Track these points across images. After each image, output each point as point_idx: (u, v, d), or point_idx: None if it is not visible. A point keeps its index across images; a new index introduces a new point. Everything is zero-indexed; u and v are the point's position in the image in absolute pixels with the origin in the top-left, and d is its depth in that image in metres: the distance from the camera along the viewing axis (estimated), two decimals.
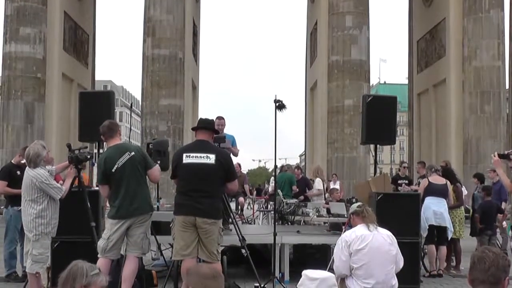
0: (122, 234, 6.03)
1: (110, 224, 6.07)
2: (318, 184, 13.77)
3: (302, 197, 13.14)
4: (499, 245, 10.93)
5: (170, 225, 6.15)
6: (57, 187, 6.30)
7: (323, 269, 7.11)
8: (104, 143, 6.95)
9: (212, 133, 6.24)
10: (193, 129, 6.42)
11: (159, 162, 7.96)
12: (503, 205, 10.99)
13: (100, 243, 6.03)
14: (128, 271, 6.00)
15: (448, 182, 9.40)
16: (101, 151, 7.82)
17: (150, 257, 9.52)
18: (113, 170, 5.99)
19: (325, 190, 13.82)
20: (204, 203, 5.78)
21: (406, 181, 12.60)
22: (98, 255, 5.97)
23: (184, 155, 5.96)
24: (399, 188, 11.61)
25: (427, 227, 8.98)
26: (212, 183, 5.87)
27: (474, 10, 20.13)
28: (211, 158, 5.86)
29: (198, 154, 5.90)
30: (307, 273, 4.75)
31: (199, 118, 6.38)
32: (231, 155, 8.49)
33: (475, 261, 2.69)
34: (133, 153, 6.07)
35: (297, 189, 13.42)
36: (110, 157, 6.10)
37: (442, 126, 22.56)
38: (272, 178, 12.79)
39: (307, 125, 27.47)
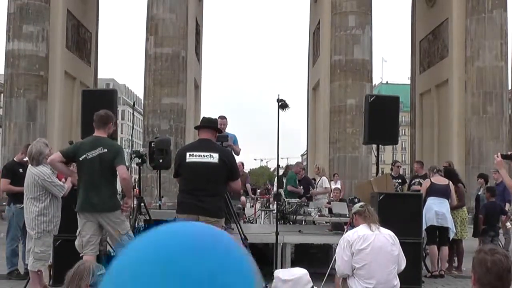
0: (94, 231, 5.97)
1: (78, 219, 6.04)
2: (325, 182, 13.70)
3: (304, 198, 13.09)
4: (502, 246, 10.91)
5: None
6: (59, 185, 6.30)
7: (325, 269, 7.12)
8: None
9: (215, 132, 6.23)
10: (196, 127, 6.42)
11: (161, 160, 8.00)
12: (507, 206, 10.96)
13: (76, 242, 6.01)
14: None
15: (451, 183, 9.38)
16: None
17: None
18: (80, 159, 5.94)
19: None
20: (207, 202, 5.78)
21: (399, 180, 12.50)
22: (81, 254, 5.92)
23: (188, 154, 5.95)
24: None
25: (427, 227, 8.97)
26: (215, 182, 5.87)
27: (477, 10, 20.11)
28: (214, 157, 5.85)
29: (202, 153, 5.89)
30: (279, 274, 4.59)
31: (202, 117, 6.37)
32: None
33: (489, 265, 2.65)
34: (105, 150, 5.96)
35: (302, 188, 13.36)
36: (82, 145, 6.08)
37: (444, 126, 22.53)
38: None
39: (309, 124, 27.46)
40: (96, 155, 5.93)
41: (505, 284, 2.63)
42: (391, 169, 13.39)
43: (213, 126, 6.21)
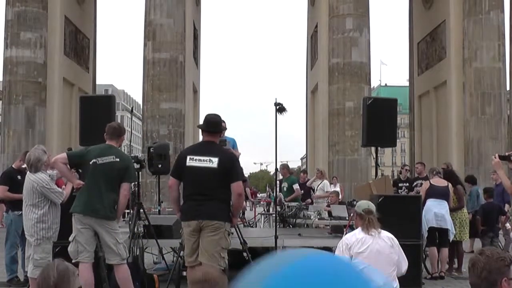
0: (89, 238, 5.95)
1: (73, 223, 6.01)
2: (326, 186, 13.68)
3: (309, 200, 13.07)
4: (501, 247, 10.89)
5: (180, 231, 6.19)
6: (58, 191, 6.30)
7: None
8: None
9: (219, 133, 6.25)
10: (198, 127, 6.38)
11: (160, 165, 8.00)
12: (506, 207, 10.95)
13: (70, 248, 5.97)
14: (122, 279, 5.99)
15: (450, 184, 9.38)
16: None
17: (152, 260, 9.52)
18: (90, 163, 5.93)
19: None
20: (208, 206, 5.74)
21: (407, 184, 12.43)
22: (73, 260, 5.90)
23: (188, 157, 5.91)
24: (399, 191, 11.52)
25: (427, 229, 8.97)
26: (215, 187, 5.80)
27: (474, 11, 20.13)
28: (213, 162, 5.80)
29: (201, 158, 5.85)
30: None
31: (205, 115, 6.28)
32: None
33: (470, 266, 2.72)
34: (117, 159, 5.98)
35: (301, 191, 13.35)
36: (92, 150, 6.07)
37: (443, 127, 22.54)
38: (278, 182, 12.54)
39: (308, 128, 27.46)
40: (108, 162, 5.94)
41: (483, 283, 2.65)
42: (400, 172, 13.24)
43: (217, 130, 6.14)
